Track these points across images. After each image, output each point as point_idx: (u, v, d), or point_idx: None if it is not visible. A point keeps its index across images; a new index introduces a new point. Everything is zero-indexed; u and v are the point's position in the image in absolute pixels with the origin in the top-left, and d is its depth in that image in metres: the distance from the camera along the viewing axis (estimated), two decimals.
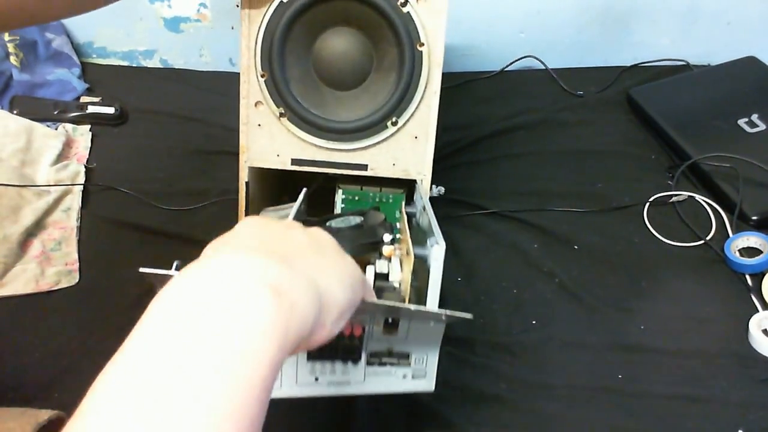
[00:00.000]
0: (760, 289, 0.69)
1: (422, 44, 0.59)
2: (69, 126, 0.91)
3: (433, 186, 0.86)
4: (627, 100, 0.98)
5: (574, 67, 1.07)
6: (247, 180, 0.64)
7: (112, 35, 1.06)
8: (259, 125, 0.63)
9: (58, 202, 0.79)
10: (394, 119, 0.60)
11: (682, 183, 0.84)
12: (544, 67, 1.06)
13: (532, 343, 0.66)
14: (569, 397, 0.61)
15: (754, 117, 0.88)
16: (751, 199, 0.77)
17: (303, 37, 0.59)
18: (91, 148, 0.89)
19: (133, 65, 1.09)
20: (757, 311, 0.67)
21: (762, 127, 0.86)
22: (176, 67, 1.08)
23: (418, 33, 0.58)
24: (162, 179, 0.85)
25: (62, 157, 0.86)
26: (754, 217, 0.77)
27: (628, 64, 1.06)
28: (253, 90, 0.61)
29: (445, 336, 0.69)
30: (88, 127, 0.92)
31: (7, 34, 0.94)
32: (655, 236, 0.77)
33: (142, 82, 1.04)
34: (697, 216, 0.80)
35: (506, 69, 1.08)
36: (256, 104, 0.62)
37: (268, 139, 0.64)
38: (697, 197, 0.81)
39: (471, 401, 0.61)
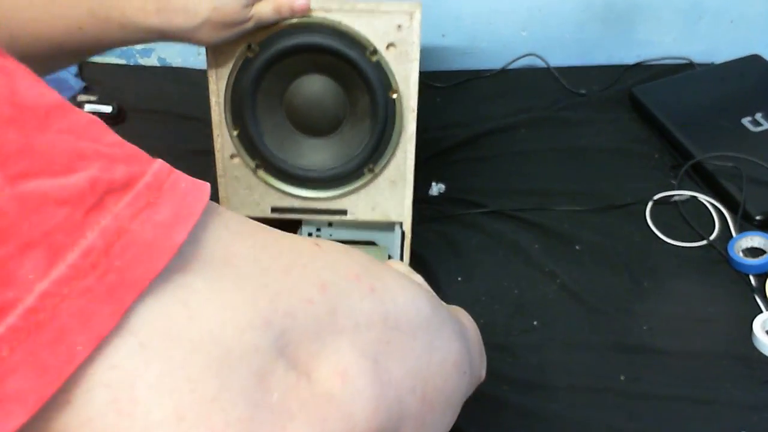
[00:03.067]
0: (763, 289, 0.68)
1: (394, 91, 0.57)
2: None
3: (434, 183, 0.86)
4: (630, 99, 0.97)
5: (577, 66, 1.06)
6: None
7: None
8: (237, 177, 0.63)
9: None
10: (370, 166, 0.59)
11: (685, 182, 0.83)
12: (545, 66, 1.06)
13: (534, 343, 0.65)
14: (571, 398, 0.60)
15: (758, 116, 0.87)
16: (755, 199, 0.77)
17: (273, 87, 0.58)
18: None
19: (131, 63, 1.08)
20: (761, 312, 0.67)
21: (766, 125, 0.86)
22: (174, 65, 1.08)
23: (389, 81, 0.56)
24: None
25: None
26: (758, 217, 0.76)
27: (631, 63, 1.05)
28: (226, 144, 0.60)
29: None
30: None
31: None
32: (657, 236, 0.77)
33: (140, 81, 1.03)
34: (700, 216, 0.79)
35: (507, 67, 1.07)
36: (231, 156, 0.61)
37: (246, 190, 0.63)
38: (700, 197, 0.80)
39: (472, 402, 0.61)
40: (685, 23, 1.06)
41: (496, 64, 1.07)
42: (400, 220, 0.62)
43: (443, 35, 1.09)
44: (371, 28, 0.54)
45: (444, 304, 0.32)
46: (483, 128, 0.94)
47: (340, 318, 0.22)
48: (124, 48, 1.07)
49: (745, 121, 0.87)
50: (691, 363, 0.63)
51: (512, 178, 0.86)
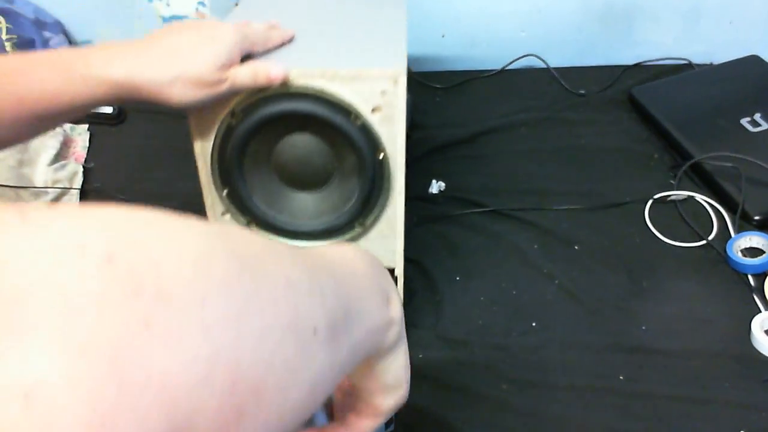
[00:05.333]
0: (762, 289, 0.69)
1: (381, 151, 0.56)
2: (67, 125, 0.91)
3: (434, 181, 0.86)
4: (629, 99, 0.98)
5: (576, 66, 1.07)
6: None
7: (110, 34, 1.06)
8: None
9: (55, 202, 0.79)
10: (360, 220, 0.59)
11: (684, 182, 0.83)
12: (545, 66, 1.06)
13: (532, 344, 0.66)
14: (570, 398, 0.60)
15: (757, 116, 0.87)
16: (753, 199, 0.77)
17: (260, 148, 0.57)
18: (89, 147, 0.89)
19: None
20: (760, 312, 0.67)
21: (765, 126, 0.86)
22: None
23: (376, 142, 0.55)
24: (161, 179, 0.85)
25: (60, 156, 0.86)
26: (757, 217, 0.76)
27: (630, 63, 1.05)
28: (216, 202, 0.59)
29: (444, 338, 0.69)
30: (86, 126, 0.92)
31: (4, 33, 0.94)
32: (656, 236, 0.77)
33: None
34: (699, 215, 0.79)
35: (507, 68, 1.07)
36: (222, 213, 0.61)
37: None
38: (699, 197, 0.80)
39: (471, 402, 0.61)
40: (685, 24, 1.06)
41: (496, 64, 1.07)
42: (392, 266, 0.62)
43: (443, 35, 1.10)
44: (355, 94, 0.53)
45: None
46: (482, 128, 0.94)
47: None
48: None
49: (744, 121, 0.87)
50: (690, 363, 0.63)
51: (511, 177, 0.86)
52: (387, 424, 0.56)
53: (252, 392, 0.19)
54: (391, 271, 0.60)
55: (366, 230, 0.59)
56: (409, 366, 0.38)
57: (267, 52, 0.54)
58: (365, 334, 0.30)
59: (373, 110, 0.53)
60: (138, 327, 0.16)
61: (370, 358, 0.34)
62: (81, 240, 0.17)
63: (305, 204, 0.61)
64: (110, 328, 0.16)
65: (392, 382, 0.37)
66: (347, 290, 0.28)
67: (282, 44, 0.56)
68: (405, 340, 0.36)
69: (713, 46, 1.06)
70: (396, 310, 0.34)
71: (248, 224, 0.60)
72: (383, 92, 0.52)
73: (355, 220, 0.59)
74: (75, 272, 0.16)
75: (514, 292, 0.71)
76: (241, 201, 0.59)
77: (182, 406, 0.17)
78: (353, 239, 0.60)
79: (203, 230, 0.21)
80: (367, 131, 0.54)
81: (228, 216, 0.61)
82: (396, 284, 0.61)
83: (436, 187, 0.86)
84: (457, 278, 0.73)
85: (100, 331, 0.16)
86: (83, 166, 0.84)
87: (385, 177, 0.57)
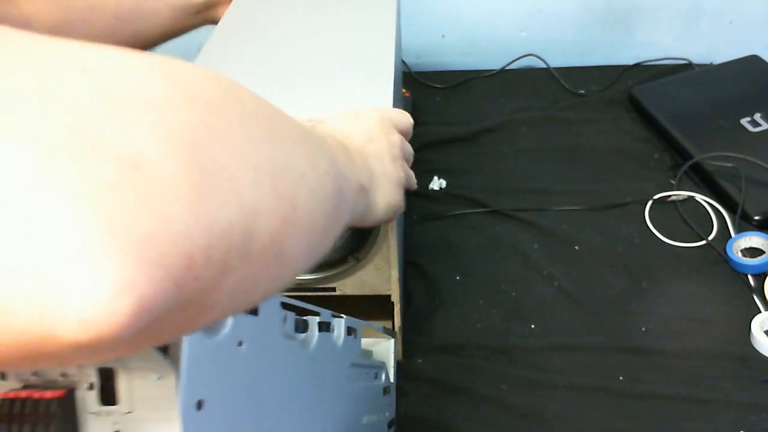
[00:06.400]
0: (762, 289, 0.68)
1: None
2: None
3: (435, 178, 0.86)
4: (629, 99, 0.98)
5: (576, 66, 1.06)
6: None
7: None
8: None
9: None
10: (355, 254, 0.59)
11: (684, 182, 0.83)
12: (545, 66, 1.06)
13: (532, 345, 0.66)
14: (570, 398, 0.60)
15: (757, 116, 0.87)
16: (753, 199, 0.77)
17: None
18: None
19: None
20: (760, 312, 0.67)
21: (765, 126, 0.86)
22: None
23: None
24: None
25: None
26: (757, 217, 0.76)
27: (630, 63, 1.05)
28: None
29: (443, 339, 0.69)
30: None
31: None
32: (656, 236, 0.77)
33: None
34: (699, 216, 0.79)
35: (507, 68, 1.07)
36: None
37: None
38: (699, 197, 0.80)
39: (471, 402, 0.61)
40: (684, 24, 1.06)
41: (496, 64, 1.07)
42: (388, 293, 0.62)
43: (443, 35, 1.10)
44: None
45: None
46: (482, 128, 0.94)
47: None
48: None
49: (744, 121, 0.87)
50: (690, 363, 0.63)
51: (511, 177, 0.86)
52: (389, 425, 0.56)
53: (290, 202, 0.22)
54: (387, 297, 0.60)
55: (360, 263, 0.59)
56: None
57: None
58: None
59: None
60: (201, 126, 0.19)
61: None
62: (146, 58, 0.19)
63: None
64: (183, 123, 0.18)
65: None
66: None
67: None
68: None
69: (713, 46, 1.06)
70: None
71: None
72: None
73: (349, 254, 0.59)
74: (149, 77, 0.18)
75: (513, 294, 0.71)
76: None
77: (247, 201, 0.19)
78: (347, 272, 0.60)
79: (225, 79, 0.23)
80: None
81: None
82: (394, 310, 0.62)
83: (437, 183, 0.86)
84: (457, 278, 0.73)
85: (177, 125, 0.18)
86: None
87: None
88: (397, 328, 0.61)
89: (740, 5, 1.04)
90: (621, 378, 0.62)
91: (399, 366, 0.63)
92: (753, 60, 0.97)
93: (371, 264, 0.59)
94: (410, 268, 0.75)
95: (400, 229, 0.66)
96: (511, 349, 0.65)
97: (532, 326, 0.67)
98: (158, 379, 0.24)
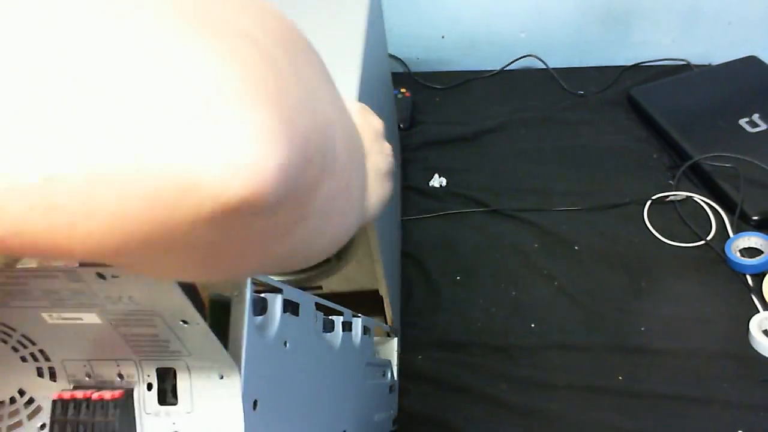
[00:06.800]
0: (760, 289, 0.69)
1: None
2: None
3: (436, 175, 0.86)
4: (628, 100, 0.98)
5: (575, 67, 1.07)
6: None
7: None
8: None
9: None
10: (339, 256, 0.60)
11: (683, 183, 0.83)
12: (544, 67, 1.06)
13: (532, 344, 0.66)
14: (569, 398, 0.61)
15: (755, 117, 0.87)
16: (752, 199, 0.77)
17: None
18: None
19: None
20: (758, 312, 0.67)
21: (763, 126, 0.86)
22: None
23: None
24: None
25: None
26: (755, 217, 0.76)
27: (629, 64, 1.06)
28: None
29: (443, 339, 0.69)
30: None
31: None
32: (655, 236, 0.77)
33: None
34: (698, 216, 0.79)
35: (506, 68, 1.07)
36: None
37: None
38: (697, 197, 0.81)
39: (471, 402, 0.61)
40: (683, 25, 1.06)
41: (496, 64, 1.07)
42: (374, 288, 0.62)
43: (443, 36, 1.10)
44: None
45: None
46: (482, 128, 0.95)
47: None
48: None
49: (743, 122, 0.87)
50: (689, 363, 0.63)
51: (511, 177, 0.87)
52: (393, 422, 0.57)
53: (349, 152, 0.23)
54: (375, 292, 0.60)
55: (342, 261, 0.60)
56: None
57: None
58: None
59: None
60: (291, 38, 0.19)
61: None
62: None
63: None
64: (279, 27, 0.19)
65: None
66: None
67: None
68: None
69: (712, 46, 1.07)
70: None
71: None
72: None
73: (333, 256, 0.59)
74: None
75: (513, 293, 0.71)
76: None
77: (330, 117, 0.20)
78: (331, 270, 0.60)
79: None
80: None
81: None
82: (383, 304, 0.62)
83: (437, 181, 0.86)
84: (458, 278, 0.73)
85: (274, 27, 0.18)
86: None
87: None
88: (389, 322, 0.62)
89: (738, 6, 1.04)
90: (620, 377, 0.62)
91: (400, 364, 0.64)
92: (751, 61, 0.98)
93: (354, 260, 0.60)
94: (410, 265, 0.75)
95: (390, 223, 0.66)
96: (511, 348, 0.65)
97: (532, 325, 0.68)
98: (221, 378, 0.24)
